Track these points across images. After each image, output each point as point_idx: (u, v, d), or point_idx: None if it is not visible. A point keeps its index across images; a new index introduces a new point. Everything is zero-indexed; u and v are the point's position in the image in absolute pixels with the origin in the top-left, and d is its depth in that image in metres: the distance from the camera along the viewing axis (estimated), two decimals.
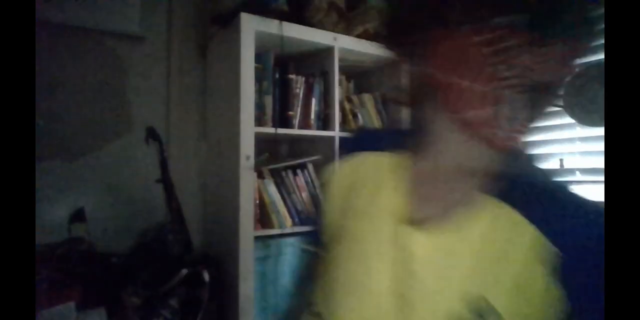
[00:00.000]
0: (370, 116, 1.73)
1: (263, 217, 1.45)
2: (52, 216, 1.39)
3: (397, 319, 0.46)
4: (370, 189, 0.55)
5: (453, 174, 0.50)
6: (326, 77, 1.60)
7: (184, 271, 1.21)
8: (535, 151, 1.52)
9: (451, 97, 0.44)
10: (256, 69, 1.40)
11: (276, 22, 1.42)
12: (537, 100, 0.41)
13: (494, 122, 0.41)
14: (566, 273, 0.41)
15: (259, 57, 1.44)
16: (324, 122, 1.60)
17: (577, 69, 0.43)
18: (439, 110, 0.48)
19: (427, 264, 0.46)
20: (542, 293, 0.42)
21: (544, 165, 1.48)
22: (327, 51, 1.58)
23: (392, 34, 0.50)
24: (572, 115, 1.11)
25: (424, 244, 0.47)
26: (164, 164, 1.35)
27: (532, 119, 0.42)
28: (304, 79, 1.57)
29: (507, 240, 0.44)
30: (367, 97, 1.75)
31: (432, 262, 0.46)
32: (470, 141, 0.45)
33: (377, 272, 0.49)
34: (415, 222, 0.49)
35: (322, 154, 1.60)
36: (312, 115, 1.57)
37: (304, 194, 1.53)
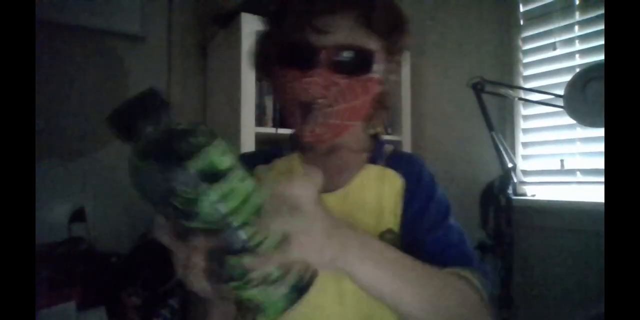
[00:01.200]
0: None
1: None
2: (52, 216, 1.39)
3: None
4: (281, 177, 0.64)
5: (338, 155, 0.66)
6: None
7: None
8: (532, 151, 1.52)
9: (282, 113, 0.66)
10: None
11: None
12: (310, 112, 0.58)
13: (300, 126, 0.59)
14: (406, 194, 0.63)
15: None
16: None
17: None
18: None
19: (343, 215, 0.58)
20: (392, 206, 0.62)
21: (541, 164, 1.48)
22: None
23: (257, 70, 0.70)
24: (573, 116, 1.11)
25: (335, 201, 0.61)
26: None
27: (325, 123, 0.58)
28: None
29: (383, 185, 0.64)
30: None
31: (346, 213, 0.60)
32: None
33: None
34: (327, 190, 0.61)
35: None
36: None
37: None
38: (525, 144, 1.55)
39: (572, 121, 1.16)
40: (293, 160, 0.68)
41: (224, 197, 0.33)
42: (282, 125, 1.48)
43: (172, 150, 0.32)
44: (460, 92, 1.51)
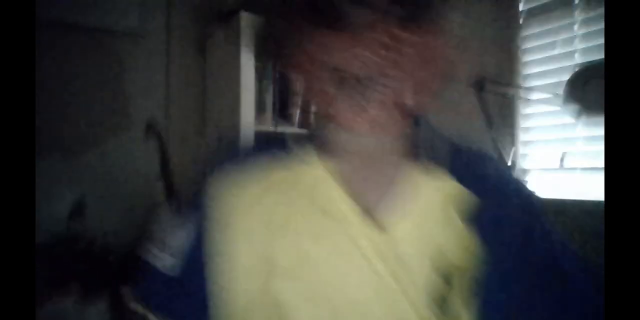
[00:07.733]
0: None
1: None
2: (51, 213, 1.39)
3: (386, 303, 0.46)
4: (299, 198, 0.49)
5: (372, 158, 0.51)
6: None
7: None
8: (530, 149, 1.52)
9: (304, 87, 0.50)
10: (256, 67, 1.40)
11: None
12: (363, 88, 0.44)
13: (339, 108, 0.46)
14: (482, 220, 0.46)
15: (259, 56, 1.44)
16: None
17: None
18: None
19: (394, 249, 0.46)
20: (462, 240, 0.46)
21: (541, 163, 1.48)
22: None
23: (270, 38, 0.54)
24: (572, 115, 1.11)
25: (390, 247, 0.46)
26: (163, 162, 1.35)
27: (375, 103, 0.45)
28: None
29: (444, 205, 0.48)
30: None
31: (398, 246, 0.46)
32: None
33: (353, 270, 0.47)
34: (367, 211, 0.48)
35: None
36: (312, 114, 1.57)
37: None
38: (525, 143, 1.55)
39: (572, 120, 1.16)
40: (313, 171, 0.50)
41: None
42: (282, 124, 1.49)
43: None
44: (460, 91, 1.51)
